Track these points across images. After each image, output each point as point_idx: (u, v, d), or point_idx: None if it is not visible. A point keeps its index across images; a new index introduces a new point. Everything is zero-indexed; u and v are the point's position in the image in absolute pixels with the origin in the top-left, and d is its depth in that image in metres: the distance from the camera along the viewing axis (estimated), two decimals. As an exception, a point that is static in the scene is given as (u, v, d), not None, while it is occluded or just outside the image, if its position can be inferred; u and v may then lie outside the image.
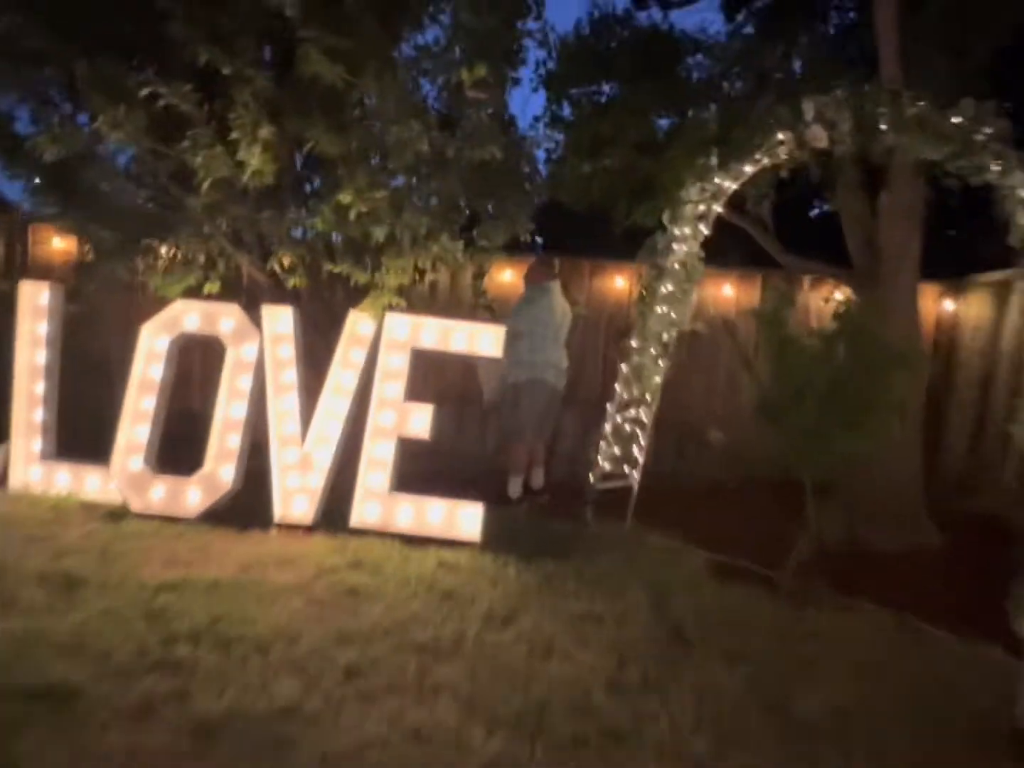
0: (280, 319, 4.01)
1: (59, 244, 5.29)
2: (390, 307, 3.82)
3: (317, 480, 3.85)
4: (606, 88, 4.63)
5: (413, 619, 2.81)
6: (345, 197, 3.32)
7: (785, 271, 4.67)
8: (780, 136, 2.95)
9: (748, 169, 3.23)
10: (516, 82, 5.30)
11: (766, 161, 3.16)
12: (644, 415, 3.82)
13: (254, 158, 3.08)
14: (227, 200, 3.60)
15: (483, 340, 3.98)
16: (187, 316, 4.06)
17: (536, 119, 4.61)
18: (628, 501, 4.13)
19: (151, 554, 3.29)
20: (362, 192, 3.29)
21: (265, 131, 3.10)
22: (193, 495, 3.85)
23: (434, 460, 5.24)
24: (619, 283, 5.31)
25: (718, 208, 3.34)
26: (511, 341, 4.50)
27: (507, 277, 5.28)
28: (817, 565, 3.45)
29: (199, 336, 4.07)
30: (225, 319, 4.05)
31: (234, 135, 3.08)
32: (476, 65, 3.17)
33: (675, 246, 3.30)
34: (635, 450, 3.86)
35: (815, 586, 3.35)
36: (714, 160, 3.15)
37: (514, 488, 4.53)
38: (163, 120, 3.31)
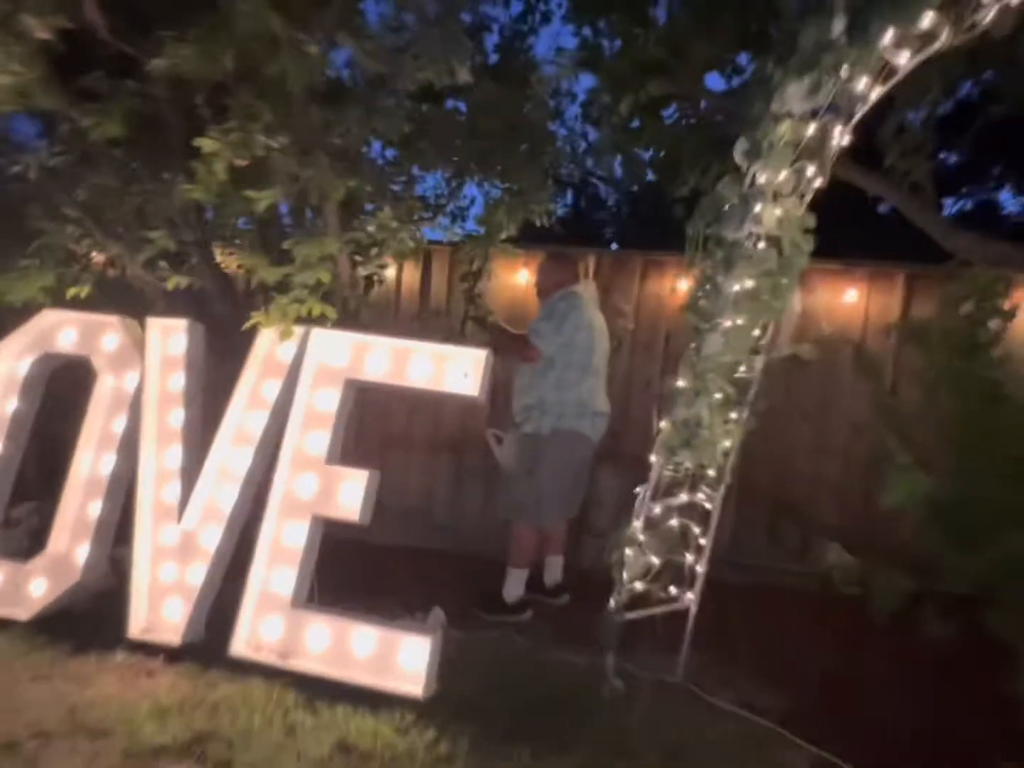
0: (172, 336, 2.82)
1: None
2: (309, 318, 2.51)
3: (199, 574, 2.58)
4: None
5: None
6: (207, 144, 2.07)
7: (949, 264, 2.94)
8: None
9: (901, 57, 1.66)
10: (546, 18, 3.99)
11: (943, 37, 1.60)
12: (705, 499, 2.27)
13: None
14: (82, 162, 2.46)
15: (455, 369, 2.59)
16: (61, 331, 2.95)
17: (559, 51, 3.21)
18: (682, 621, 2.57)
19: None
20: (227, 133, 2.03)
21: (34, 23, 1.89)
22: (37, 586, 2.69)
23: (420, 532, 3.89)
24: (684, 286, 3.75)
25: (842, 136, 1.78)
26: (528, 373, 3.10)
27: (523, 279, 3.84)
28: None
29: (72, 358, 2.95)
30: (108, 335, 2.91)
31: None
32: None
33: (758, 206, 1.77)
34: (688, 557, 2.31)
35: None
36: (839, 24, 1.60)
37: (513, 588, 3.06)
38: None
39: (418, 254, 2.53)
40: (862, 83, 1.70)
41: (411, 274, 3.89)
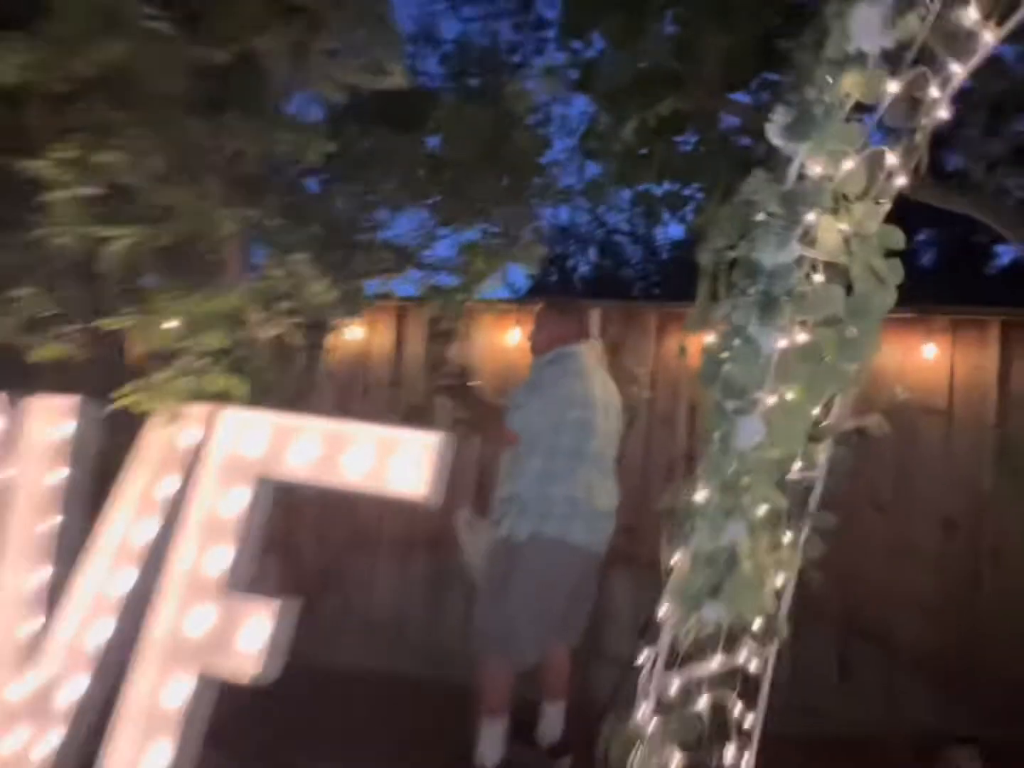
0: (58, 419, 2.25)
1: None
2: (216, 397, 1.91)
3: (55, 742, 1.91)
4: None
5: None
6: (39, 168, 1.54)
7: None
8: None
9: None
10: (539, 51, 3.57)
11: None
12: (750, 661, 1.52)
13: None
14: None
15: (400, 461, 1.94)
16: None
17: (547, 68, 2.70)
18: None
19: None
20: (67, 148, 1.50)
21: None
22: None
23: (389, 654, 3.16)
24: (699, 340, 3.06)
25: (939, 103, 1.10)
26: (509, 457, 2.46)
27: (515, 340, 3.20)
28: None
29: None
30: (-6, 418, 2.36)
31: None
32: None
33: (811, 213, 1.07)
34: (728, 750, 1.54)
35: None
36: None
37: (489, 747, 2.28)
38: None
39: (355, 310, 1.94)
40: (969, 12, 1.03)
41: (383, 336, 3.31)
